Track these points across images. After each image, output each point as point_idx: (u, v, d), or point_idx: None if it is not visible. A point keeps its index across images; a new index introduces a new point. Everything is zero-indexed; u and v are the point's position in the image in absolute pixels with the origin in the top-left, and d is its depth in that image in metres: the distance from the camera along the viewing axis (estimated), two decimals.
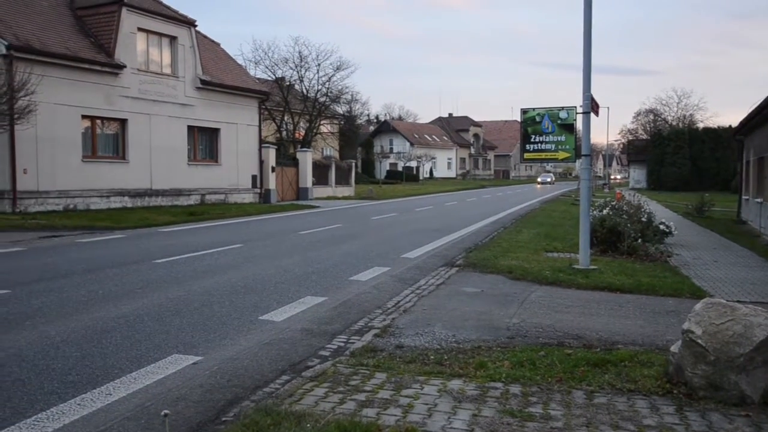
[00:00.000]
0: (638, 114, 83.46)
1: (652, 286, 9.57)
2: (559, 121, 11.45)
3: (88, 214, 21.44)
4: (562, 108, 11.51)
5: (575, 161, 13.58)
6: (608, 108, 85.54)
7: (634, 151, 69.52)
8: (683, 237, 16.92)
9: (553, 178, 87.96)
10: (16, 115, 19.88)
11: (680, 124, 72.67)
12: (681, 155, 59.52)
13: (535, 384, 5.18)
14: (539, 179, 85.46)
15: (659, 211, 23.20)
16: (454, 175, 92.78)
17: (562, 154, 11.48)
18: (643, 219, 14.04)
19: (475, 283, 9.85)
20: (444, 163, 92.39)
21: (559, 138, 11.48)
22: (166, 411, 3.99)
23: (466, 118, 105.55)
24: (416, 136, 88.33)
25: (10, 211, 20.72)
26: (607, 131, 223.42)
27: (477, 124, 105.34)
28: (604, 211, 13.90)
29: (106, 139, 25.20)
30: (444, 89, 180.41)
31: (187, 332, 6.81)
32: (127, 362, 5.73)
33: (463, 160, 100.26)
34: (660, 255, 12.82)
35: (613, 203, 15.16)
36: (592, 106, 11.08)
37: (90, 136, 24.18)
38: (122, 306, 8.09)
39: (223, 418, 4.59)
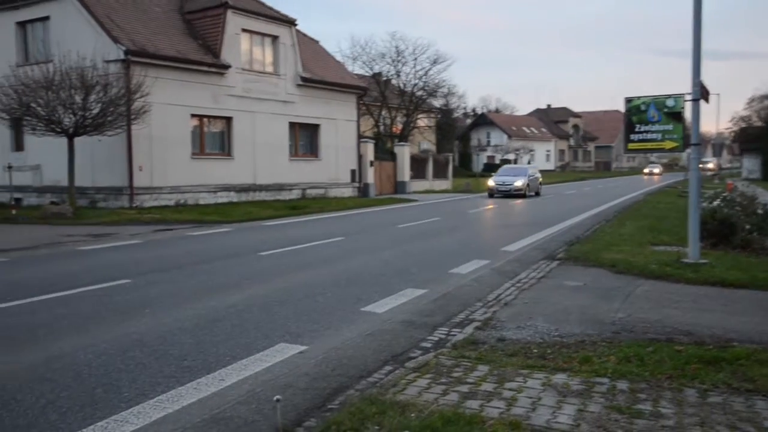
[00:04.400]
0: (752, 100, 78.47)
1: None
2: (665, 110, 10.99)
3: (197, 209, 22.44)
4: (669, 96, 11.04)
5: (683, 151, 13.01)
6: (718, 95, 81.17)
7: (746, 139, 65.62)
8: None
9: (661, 169, 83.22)
10: (132, 116, 21.04)
11: None
12: None
13: (644, 380, 5.04)
14: (645, 169, 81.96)
15: None
16: (552, 168, 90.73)
17: (668, 144, 11.02)
18: (759, 211, 13.30)
19: (577, 277, 9.64)
20: (542, 155, 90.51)
21: (665, 127, 11.02)
22: (278, 396, 4.16)
23: (564, 109, 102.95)
24: (513, 128, 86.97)
25: (128, 206, 21.95)
26: (717, 119, 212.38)
27: (576, 115, 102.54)
28: (715, 203, 13.26)
29: (213, 137, 26.24)
30: (542, 80, 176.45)
31: (292, 322, 7.04)
32: (237, 350, 5.98)
33: (562, 152, 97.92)
34: None
35: (725, 194, 14.43)
36: (701, 93, 10.58)
37: (198, 134, 25.25)
38: (231, 296, 8.45)
39: (329, 406, 4.73)
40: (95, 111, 20.04)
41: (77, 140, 20.63)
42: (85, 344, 6.15)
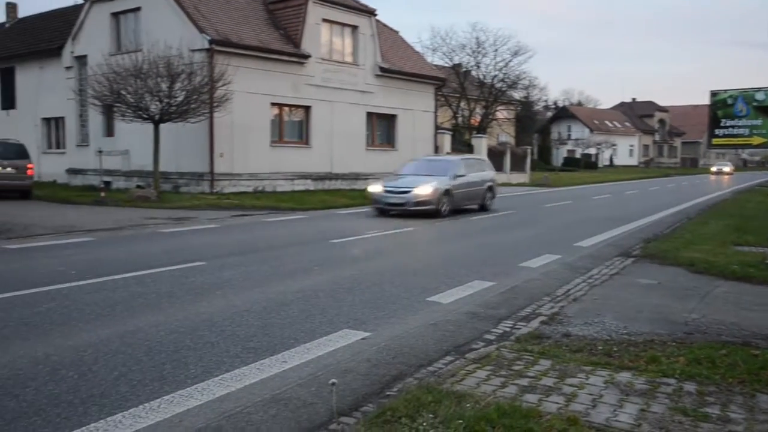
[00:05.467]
0: None
1: None
2: (755, 104, 10.51)
3: (274, 196, 22.92)
4: (759, 89, 10.53)
5: None
6: None
7: None
8: None
9: (732, 167, 72.88)
10: (214, 104, 21.68)
11: None
12: None
13: (713, 383, 4.85)
14: (713, 168, 72.06)
15: None
16: (635, 163, 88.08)
17: (756, 140, 10.56)
18: None
19: (652, 275, 9.34)
20: (625, 150, 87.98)
21: (754, 122, 10.54)
22: (333, 380, 4.22)
23: (650, 103, 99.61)
24: (596, 122, 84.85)
25: (209, 191, 22.65)
26: None
27: (663, 109, 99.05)
28: None
29: (292, 125, 26.72)
30: (627, 73, 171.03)
31: (357, 309, 7.12)
32: (301, 333, 6.10)
33: (646, 147, 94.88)
34: None
35: None
36: None
37: (278, 123, 25.76)
38: (300, 281, 8.61)
39: (387, 393, 4.77)
40: (180, 98, 20.74)
41: (162, 127, 21.41)
42: (158, 322, 6.41)
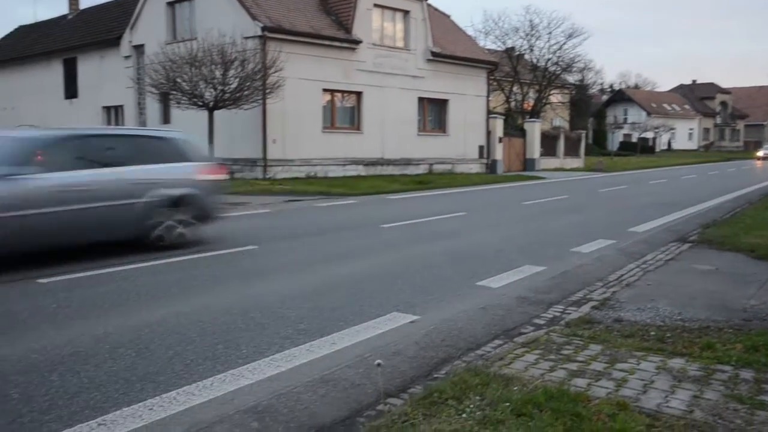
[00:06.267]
0: None
1: None
2: None
3: (325, 181, 23.12)
4: None
5: None
6: None
7: None
8: None
9: None
10: (267, 90, 21.93)
11: None
12: None
13: None
14: (759, 152, 63.99)
15: None
16: (695, 147, 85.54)
17: None
18: None
19: (710, 261, 9.10)
20: (684, 133, 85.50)
21: None
22: (379, 361, 4.27)
23: (711, 84, 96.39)
24: (653, 105, 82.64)
25: (262, 177, 22.98)
26: None
27: (725, 91, 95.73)
28: None
29: (344, 111, 26.83)
30: (687, 54, 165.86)
31: (406, 292, 7.15)
32: (351, 316, 6.16)
33: (706, 130, 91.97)
34: None
35: None
36: None
37: (329, 109, 25.91)
38: (350, 265, 8.69)
39: (435, 375, 4.79)
40: (233, 85, 21.05)
41: (216, 114, 21.77)
42: (211, 303, 6.56)
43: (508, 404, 3.95)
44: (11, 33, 41.75)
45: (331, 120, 25.96)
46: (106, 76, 29.90)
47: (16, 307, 6.32)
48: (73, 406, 4.07)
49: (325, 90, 25.30)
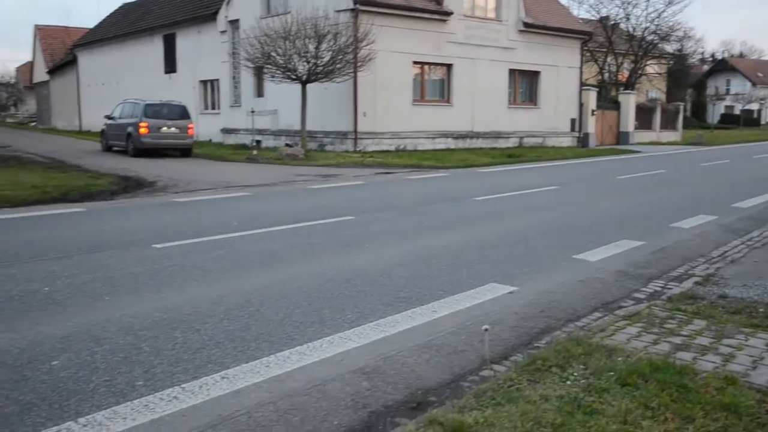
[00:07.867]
0: None
1: None
2: None
3: (415, 154, 23.23)
4: None
5: None
6: None
7: None
8: None
9: None
10: (358, 64, 22.15)
11: None
12: None
13: None
14: None
15: None
16: None
17: None
18: None
19: None
20: None
21: None
22: (486, 326, 4.40)
23: None
24: (760, 74, 78.02)
25: (352, 150, 23.32)
26: None
27: None
28: None
29: (433, 84, 26.77)
30: None
31: (503, 264, 7.21)
32: (449, 285, 6.30)
33: None
34: None
35: None
36: None
37: (419, 81, 25.91)
38: (445, 236, 8.82)
39: (536, 344, 4.88)
40: (326, 59, 21.37)
41: (309, 87, 22.18)
42: (315, 270, 6.83)
43: (612, 374, 4.00)
44: (114, 11, 43.67)
45: (421, 93, 25.97)
46: (203, 51, 30.90)
47: (137, 269, 6.79)
48: (197, 361, 4.40)
49: (415, 62, 25.30)
